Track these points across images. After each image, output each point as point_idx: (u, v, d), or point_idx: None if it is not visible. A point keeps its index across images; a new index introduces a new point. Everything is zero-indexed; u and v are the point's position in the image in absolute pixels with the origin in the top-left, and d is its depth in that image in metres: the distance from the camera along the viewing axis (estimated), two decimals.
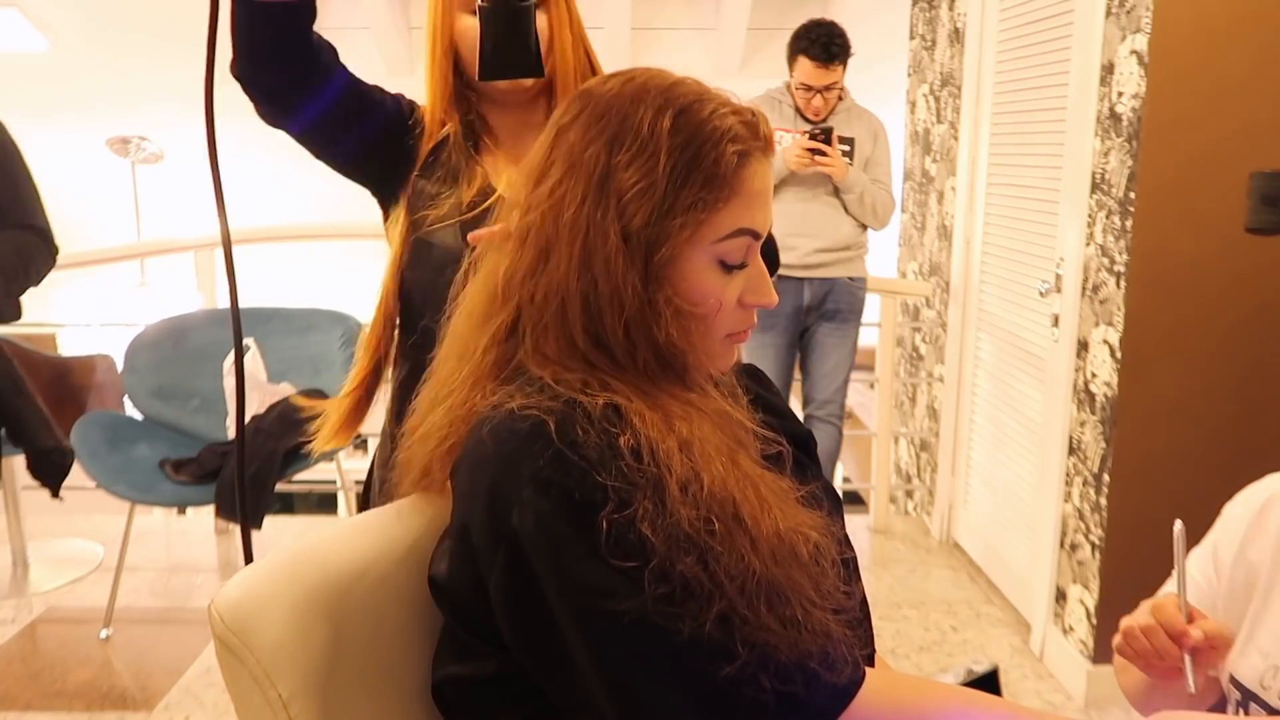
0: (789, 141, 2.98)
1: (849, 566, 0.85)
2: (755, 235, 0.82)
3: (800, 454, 0.94)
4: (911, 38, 3.92)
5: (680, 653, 0.71)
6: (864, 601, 0.93)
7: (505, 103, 1.33)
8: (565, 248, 0.79)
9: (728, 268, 0.82)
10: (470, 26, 1.25)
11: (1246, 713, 1.03)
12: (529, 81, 1.28)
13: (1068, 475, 2.55)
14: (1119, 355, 2.29)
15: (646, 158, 0.77)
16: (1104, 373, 2.35)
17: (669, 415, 0.78)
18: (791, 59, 3.03)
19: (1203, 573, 1.13)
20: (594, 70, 1.33)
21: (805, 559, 0.77)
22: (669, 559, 0.72)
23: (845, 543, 0.90)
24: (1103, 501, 2.36)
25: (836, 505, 0.98)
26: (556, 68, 1.29)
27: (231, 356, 2.74)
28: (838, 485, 5.30)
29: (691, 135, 0.78)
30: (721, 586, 0.72)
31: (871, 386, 4.03)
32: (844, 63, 2.98)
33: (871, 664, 0.93)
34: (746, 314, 0.85)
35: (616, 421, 0.75)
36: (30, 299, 2.48)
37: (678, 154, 0.78)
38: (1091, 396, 2.41)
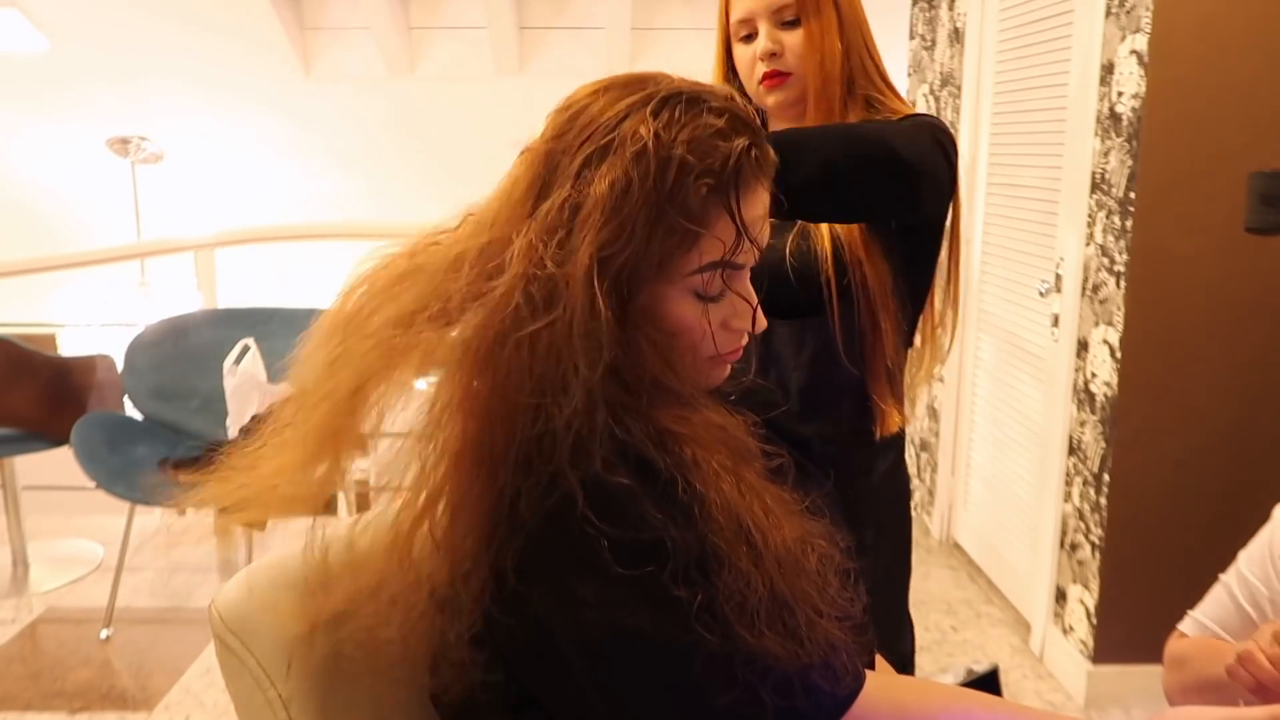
0: None
1: (853, 575, 0.85)
2: (730, 266, 0.78)
3: (802, 459, 0.94)
4: (911, 38, 3.92)
5: (680, 669, 0.71)
6: (868, 608, 0.93)
7: (775, 116, 1.34)
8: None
9: (705, 298, 0.78)
10: (742, 56, 1.31)
11: None
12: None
13: (1068, 475, 2.54)
14: (1119, 355, 2.29)
15: (618, 206, 0.73)
16: (1104, 373, 2.35)
17: (672, 435, 0.76)
18: None
19: (1263, 577, 1.13)
20: (881, 76, 1.31)
21: (812, 569, 0.76)
22: (671, 577, 0.71)
23: (850, 551, 0.89)
24: (1103, 501, 2.36)
25: (840, 513, 0.97)
26: (809, 81, 1.28)
27: (232, 355, 2.74)
28: None
29: (661, 174, 0.73)
30: (721, 605, 0.72)
31: None
32: None
33: (872, 667, 0.93)
34: (733, 335, 0.81)
35: (621, 443, 0.74)
36: (30, 299, 2.49)
37: (651, 196, 0.73)
38: (1091, 396, 2.41)
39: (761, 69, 1.27)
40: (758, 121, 0.79)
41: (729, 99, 0.78)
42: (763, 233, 0.80)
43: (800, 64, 1.26)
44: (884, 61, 1.32)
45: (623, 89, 0.78)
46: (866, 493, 1.36)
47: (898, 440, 1.38)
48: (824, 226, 1.24)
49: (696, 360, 0.81)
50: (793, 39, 1.26)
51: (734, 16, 1.28)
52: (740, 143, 0.76)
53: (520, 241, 0.74)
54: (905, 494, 1.45)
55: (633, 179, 0.73)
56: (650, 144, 0.73)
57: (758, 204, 0.78)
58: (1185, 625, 1.23)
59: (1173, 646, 1.22)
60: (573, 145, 0.76)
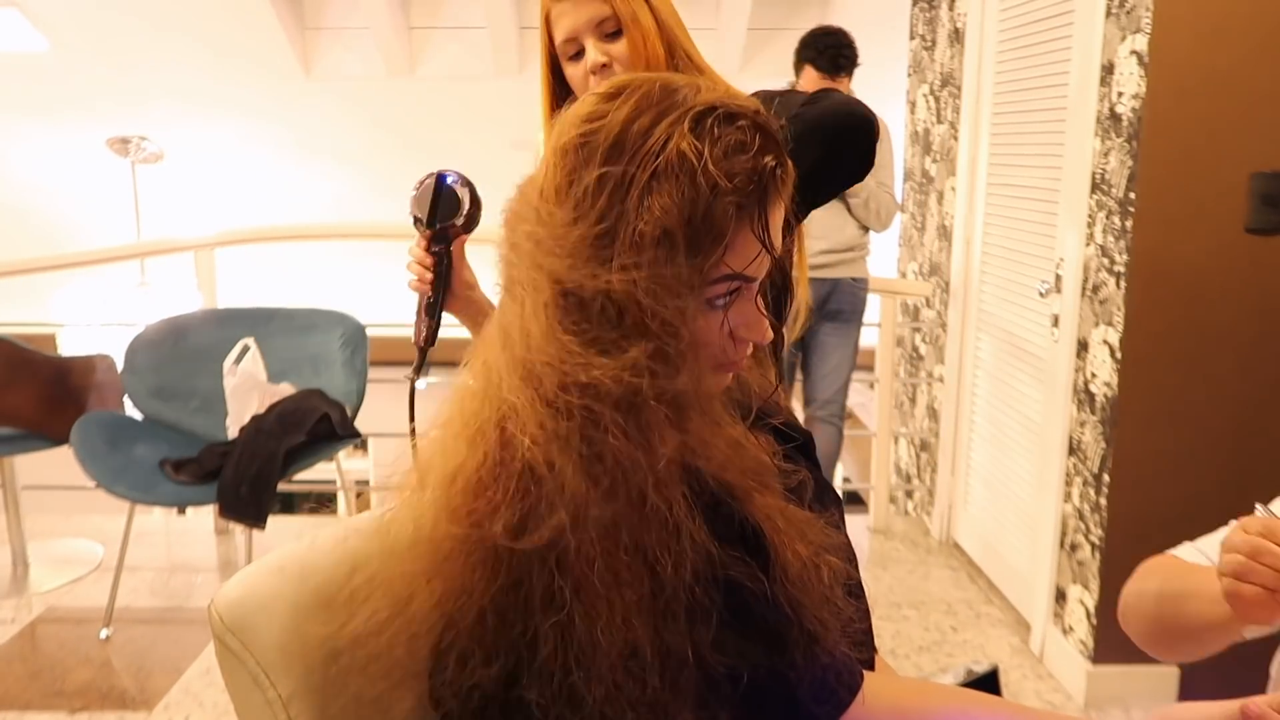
0: None
1: (854, 587, 0.85)
2: (746, 279, 0.77)
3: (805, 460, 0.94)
4: (911, 38, 3.92)
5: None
6: (867, 613, 0.94)
7: None
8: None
9: (717, 309, 0.78)
10: (574, 74, 1.33)
11: None
12: None
13: (1068, 475, 2.54)
14: (1119, 355, 2.29)
15: (671, 229, 0.74)
16: (1104, 373, 2.35)
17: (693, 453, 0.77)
18: (798, 67, 3.02)
19: None
20: (701, 70, 1.34)
21: (823, 584, 0.77)
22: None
23: (852, 562, 0.89)
24: (1103, 501, 2.36)
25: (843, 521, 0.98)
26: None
27: (232, 355, 2.74)
28: (837, 485, 5.30)
29: (699, 195, 0.73)
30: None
31: (871, 386, 4.03)
32: (850, 74, 2.98)
33: (871, 667, 0.93)
34: (741, 346, 0.82)
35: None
36: (30, 299, 2.49)
37: (690, 216, 0.73)
38: (1091, 396, 2.41)
39: (595, 81, 1.31)
40: (781, 135, 0.79)
41: (756, 113, 0.77)
42: (777, 245, 0.80)
43: (629, 72, 1.31)
44: (699, 52, 1.36)
45: (656, 105, 0.76)
46: None
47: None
48: None
49: (701, 370, 0.80)
50: (618, 49, 1.31)
51: (558, 38, 1.33)
52: (768, 161, 0.75)
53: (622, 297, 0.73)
54: None
55: (681, 202, 0.73)
56: (693, 166, 0.73)
57: (777, 218, 0.78)
58: (1180, 551, 1.14)
59: (1152, 560, 1.13)
60: (624, 176, 0.74)
